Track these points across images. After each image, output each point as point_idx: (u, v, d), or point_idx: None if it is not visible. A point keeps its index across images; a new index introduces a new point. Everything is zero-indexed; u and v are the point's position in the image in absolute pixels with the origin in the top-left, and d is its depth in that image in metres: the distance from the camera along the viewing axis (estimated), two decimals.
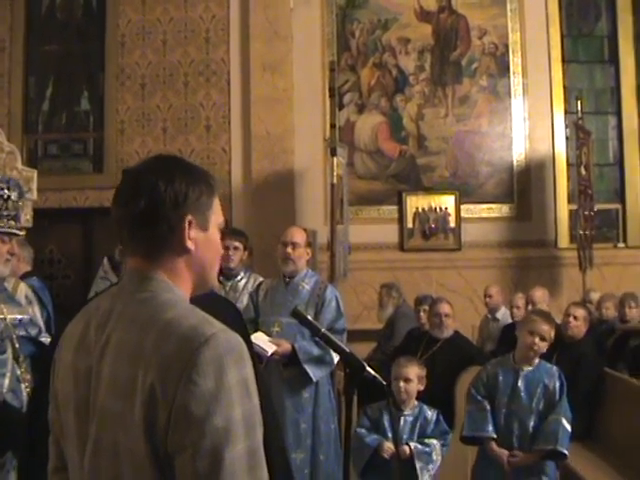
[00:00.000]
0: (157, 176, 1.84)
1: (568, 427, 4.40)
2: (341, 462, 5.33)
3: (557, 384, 4.49)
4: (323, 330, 2.93)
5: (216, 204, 1.93)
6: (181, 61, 10.60)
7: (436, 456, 4.56)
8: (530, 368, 4.53)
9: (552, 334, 4.59)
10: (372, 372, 2.89)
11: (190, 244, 1.84)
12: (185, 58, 10.60)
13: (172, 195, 1.82)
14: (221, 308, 2.48)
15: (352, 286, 9.71)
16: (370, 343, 8.47)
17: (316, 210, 10.23)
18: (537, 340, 4.47)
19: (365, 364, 2.82)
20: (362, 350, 6.95)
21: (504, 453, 4.40)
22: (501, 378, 4.53)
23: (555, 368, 4.59)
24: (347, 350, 2.81)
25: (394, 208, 10.70)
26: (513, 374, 4.51)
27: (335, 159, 8.01)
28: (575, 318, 6.62)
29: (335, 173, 7.99)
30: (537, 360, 4.58)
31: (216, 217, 1.92)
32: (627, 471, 5.22)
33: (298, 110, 10.45)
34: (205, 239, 1.88)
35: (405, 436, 4.67)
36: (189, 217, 1.83)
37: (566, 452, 4.40)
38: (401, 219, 10.66)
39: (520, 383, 4.48)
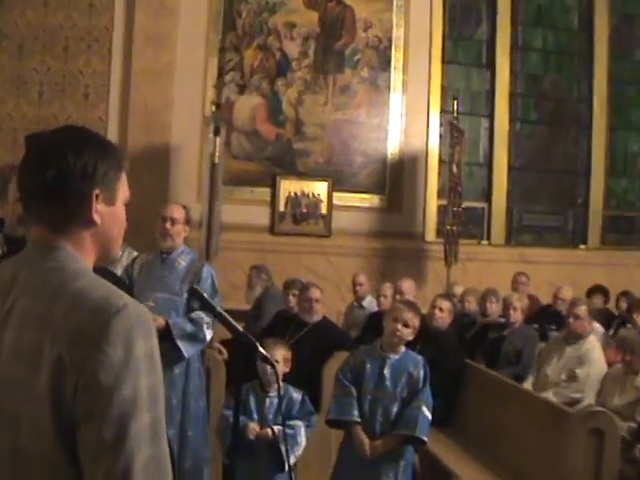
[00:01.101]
0: (66, 147, 1.82)
1: (428, 415, 4.54)
2: (208, 439, 5.40)
3: (421, 373, 4.60)
4: (219, 309, 2.97)
5: (123, 179, 1.92)
6: (63, 25, 10.29)
7: (301, 438, 4.64)
8: (396, 357, 4.61)
9: (416, 323, 4.67)
10: (264, 351, 2.97)
11: (96, 217, 1.83)
12: (67, 22, 10.29)
13: (81, 167, 1.80)
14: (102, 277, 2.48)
15: (221, 266, 9.69)
16: (239, 323, 8.48)
17: (190, 187, 10.13)
18: (400, 326, 4.54)
19: (257, 344, 2.90)
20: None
21: (365, 442, 4.48)
22: (368, 365, 4.59)
23: (420, 357, 4.71)
24: (241, 330, 2.87)
25: (267, 190, 10.71)
26: (380, 362, 4.58)
27: (218, 138, 8.00)
28: (440, 310, 6.86)
29: (217, 153, 7.98)
30: (403, 349, 4.67)
31: (123, 192, 1.92)
32: (482, 456, 5.48)
33: (178, 85, 10.31)
34: (111, 213, 1.88)
35: (271, 417, 4.71)
36: (97, 190, 1.82)
37: (425, 439, 4.53)
38: (273, 202, 10.69)
39: (386, 371, 4.55)
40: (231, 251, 9.84)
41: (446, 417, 6.17)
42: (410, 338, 4.66)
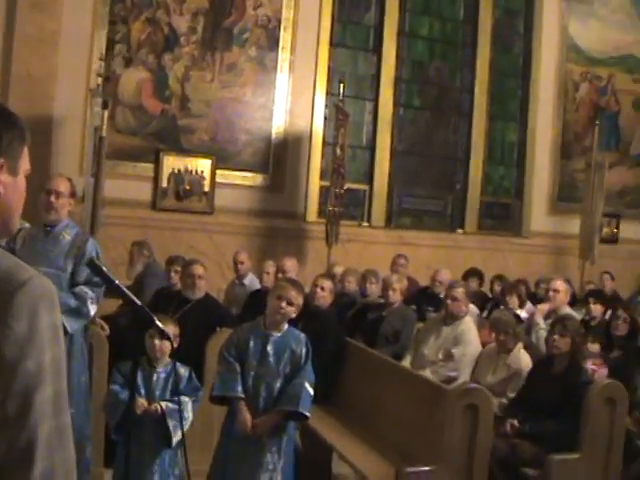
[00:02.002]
0: None
1: (310, 390, 4.62)
2: (91, 416, 5.35)
3: (304, 350, 4.67)
4: (117, 282, 2.96)
5: (26, 151, 1.92)
6: None
7: (188, 413, 4.66)
8: (279, 334, 4.66)
9: (300, 301, 4.73)
10: (161, 325, 2.98)
11: (0, 187, 1.83)
12: None
13: None
14: None
15: (102, 241, 9.49)
16: (118, 300, 8.40)
17: (72, 160, 9.92)
18: (284, 304, 4.60)
19: (154, 317, 2.91)
20: (111, 305, 6.88)
21: (248, 419, 4.52)
22: (252, 342, 4.62)
23: (303, 335, 4.77)
24: (139, 303, 2.88)
25: (150, 166, 10.59)
26: (263, 339, 4.62)
27: (106, 112, 7.87)
28: (322, 289, 6.97)
29: (104, 126, 7.85)
30: (286, 326, 4.74)
31: (24, 164, 1.91)
32: (362, 432, 5.60)
33: (63, 55, 10.03)
34: (14, 184, 1.87)
35: (158, 392, 4.73)
36: (1, 160, 1.82)
37: (307, 414, 4.61)
38: (156, 178, 10.58)
39: (269, 348, 4.60)
40: (112, 226, 9.64)
41: (327, 394, 6.26)
42: (293, 316, 4.73)
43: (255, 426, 4.51)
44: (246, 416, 4.52)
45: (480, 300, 9.14)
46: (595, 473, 5.03)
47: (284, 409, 4.56)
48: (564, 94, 13.20)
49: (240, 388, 4.55)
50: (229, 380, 4.58)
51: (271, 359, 4.59)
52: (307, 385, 4.59)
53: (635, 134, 13.94)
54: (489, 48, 12.56)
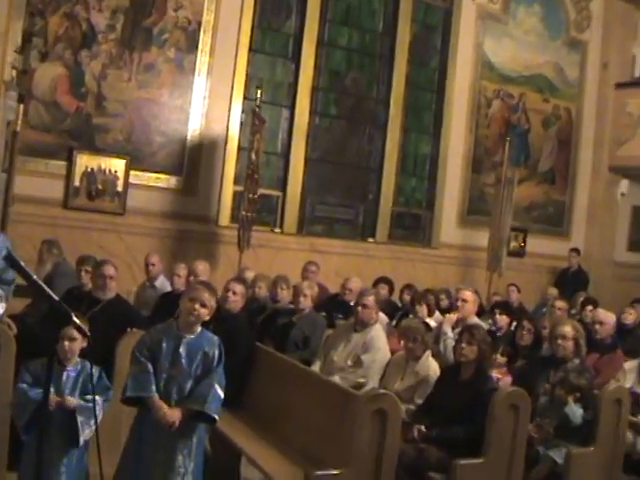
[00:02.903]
0: None
1: (220, 393, 4.60)
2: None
3: (216, 352, 4.65)
4: (34, 277, 2.92)
5: None
6: None
7: (98, 411, 4.61)
8: (192, 336, 4.64)
9: (213, 303, 4.72)
10: (78, 321, 2.95)
11: None
12: None
13: None
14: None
15: (11, 239, 9.30)
16: (25, 299, 8.23)
17: None
18: (197, 306, 4.58)
19: (72, 313, 2.88)
20: (18, 304, 6.77)
21: (165, 407, 4.47)
22: (164, 344, 4.57)
23: (216, 338, 4.75)
24: (57, 299, 2.85)
25: (63, 164, 10.43)
26: (176, 340, 4.59)
27: (21, 106, 7.73)
28: (234, 293, 6.94)
29: (19, 121, 7.71)
30: (199, 329, 4.72)
31: None
32: (271, 437, 5.61)
33: None
34: None
35: (67, 391, 4.68)
36: None
37: (215, 416, 4.60)
38: (69, 176, 10.41)
39: (182, 349, 4.57)
40: (22, 224, 9.46)
41: (236, 399, 6.26)
42: (207, 318, 4.71)
43: (170, 415, 4.47)
44: (163, 406, 4.48)
45: (390, 308, 9.25)
46: (498, 477, 5.15)
47: (191, 408, 4.54)
48: (477, 110, 13.51)
49: (154, 388, 4.51)
50: (142, 380, 4.53)
51: (183, 361, 4.57)
52: (217, 387, 4.58)
53: (543, 151, 14.34)
54: (406, 61, 12.77)
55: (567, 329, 6.49)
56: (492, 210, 12.77)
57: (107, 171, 10.55)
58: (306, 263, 10.05)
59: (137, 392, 4.54)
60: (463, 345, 5.74)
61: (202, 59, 10.97)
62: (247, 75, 11.44)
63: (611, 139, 14.91)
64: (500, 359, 6.92)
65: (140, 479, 4.52)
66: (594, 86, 15.02)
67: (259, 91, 10.68)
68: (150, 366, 4.54)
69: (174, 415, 4.46)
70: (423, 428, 5.47)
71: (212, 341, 4.70)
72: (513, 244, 13.64)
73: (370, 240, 12.58)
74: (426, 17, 13.10)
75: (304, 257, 10.63)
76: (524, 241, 14.09)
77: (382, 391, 5.02)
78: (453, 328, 7.54)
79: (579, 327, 6.69)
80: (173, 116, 10.90)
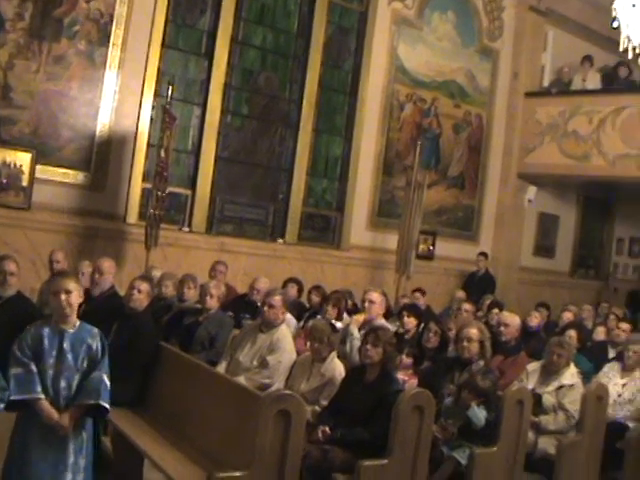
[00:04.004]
0: None
1: (108, 383, 4.52)
2: None
3: (99, 344, 4.55)
4: None
5: None
6: None
7: None
8: (73, 330, 4.53)
9: (76, 285, 4.54)
10: None
11: None
12: None
13: None
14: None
15: None
16: None
17: None
18: (64, 296, 4.38)
19: None
20: None
21: (54, 413, 4.38)
22: (46, 340, 4.46)
23: (96, 330, 4.61)
24: None
25: None
26: (58, 336, 4.48)
27: None
28: (139, 291, 6.81)
29: None
30: (78, 322, 4.58)
31: None
32: (174, 437, 5.51)
33: None
34: None
35: None
36: None
37: (108, 406, 4.51)
38: None
39: (65, 344, 4.46)
40: None
41: (139, 398, 6.18)
42: (79, 301, 4.55)
43: (59, 423, 4.36)
44: (51, 411, 4.37)
45: (298, 309, 9.24)
46: (402, 477, 5.16)
47: (85, 403, 4.44)
48: (389, 113, 13.62)
49: (39, 388, 4.38)
50: (26, 382, 4.38)
51: (69, 356, 4.46)
52: (105, 378, 4.51)
53: (454, 156, 14.54)
54: (320, 63, 12.78)
55: (473, 331, 6.59)
56: (402, 213, 12.87)
57: (12, 165, 10.24)
58: (214, 262, 9.98)
59: (22, 394, 4.38)
60: (368, 347, 5.76)
61: (113, 53, 10.74)
62: (159, 71, 11.23)
63: (520, 146, 15.23)
64: (406, 360, 6.96)
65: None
66: (504, 94, 15.32)
67: (170, 87, 10.50)
68: (33, 365, 4.41)
69: (65, 420, 4.36)
70: (328, 429, 5.46)
71: (93, 333, 4.60)
72: (422, 247, 13.79)
73: (280, 241, 12.54)
74: (341, 20, 13.12)
75: (213, 257, 10.56)
76: (433, 244, 14.25)
77: (286, 392, 4.97)
78: (360, 329, 7.57)
79: (484, 329, 6.81)
80: (82, 110, 10.65)
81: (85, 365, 4.50)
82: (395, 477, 5.12)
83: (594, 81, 15.07)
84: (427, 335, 7.50)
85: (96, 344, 4.55)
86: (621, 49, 7.56)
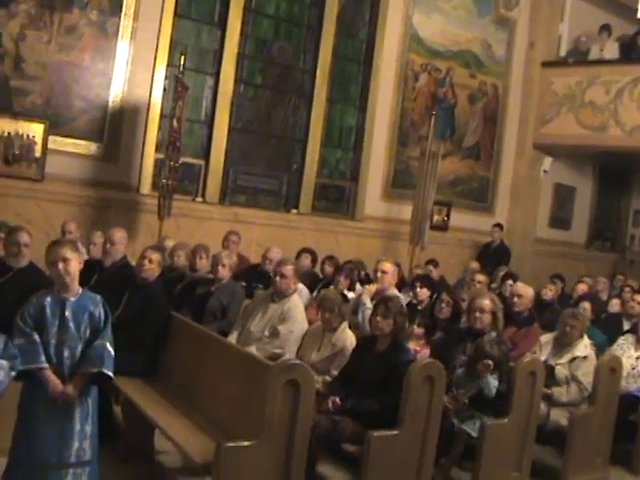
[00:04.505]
0: None
1: (112, 351, 4.49)
2: None
3: (102, 311, 4.49)
4: None
5: None
6: None
7: (3, 377, 4.45)
8: (74, 298, 4.48)
9: (74, 252, 4.44)
10: None
11: None
12: None
13: None
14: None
15: None
16: None
17: None
18: (61, 265, 4.31)
19: None
20: None
21: (58, 384, 4.37)
22: (48, 310, 4.43)
23: (99, 297, 4.56)
24: None
25: None
26: (60, 305, 4.45)
27: None
28: (150, 261, 6.79)
29: None
30: (80, 289, 4.54)
31: None
32: (185, 407, 5.50)
33: None
34: None
35: None
36: None
37: (111, 374, 4.49)
38: None
39: (67, 313, 4.42)
40: None
41: (151, 368, 6.17)
42: (79, 268, 4.48)
43: (64, 394, 4.35)
44: (56, 382, 4.35)
45: (311, 280, 9.21)
46: (413, 448, 5.15)
47: (89, 371, 4.42)
48: (404, 83, 13.52)
49: (43, 358, 4.36)
50: (30, 352, 4.36)
51: (71, 324, 4.41)
52: (109, 346, 4.48)
53: (469, 127, 14.43)
54: (334, 32, 12.66)
55: (485, 302, 6.57)
56: (416, 183, 12.81)
57: (25, 136, 10.23)
58: (227, 233, 9.94)
59: (27, 364, 4.36)
60: (378, 319, 5.72)
61: (125, 23, 10.68)
62: (171, 41, 11.16)
63: (536, 117, 15.10)
64: (417, 330, 6.93)
65: (38, 453, 4.38)
66: (521, 64, 15.18)
67: (183, 57, 10.41)
68: (36, 335, 4.39)
69: (70, 389, 4.35)
70: (338, 400, 5.44)
71: (95, 300, 4.55)
72: (436, 218, 13.73)
73: (293, 211, 12.51)
74: None
75: (226, 227, 10.52)
76: (447, 215, 14.19)
77: (294, 361, 4.94)
78: (372, 299, 7.53)
79: (497, 300, 6.77)
80: (95, 81, 10.62)
81: (88, 333, 4.46)
82: (405, 448, 5.11)
83: (612, 51, 14.89)
84: (439, 305, 7.48)
85: (98, 311, 4.51)
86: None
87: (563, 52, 15.54)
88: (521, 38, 15.13)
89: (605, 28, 15.01)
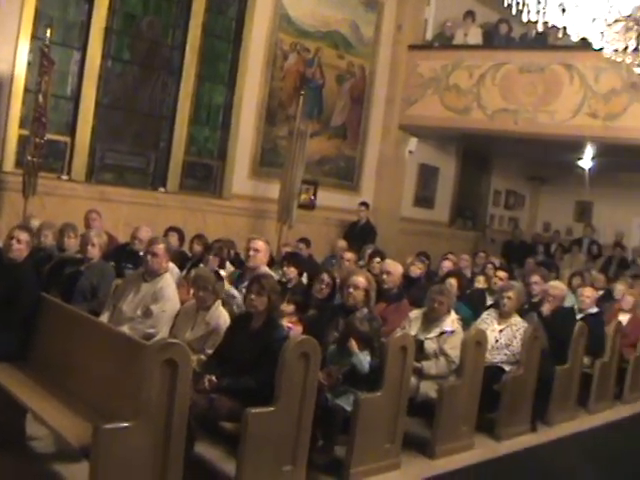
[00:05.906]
0: None
1: None
2: None
3: None
4: None
5: None
6: None
7: None
8: None
9: None
10: None
11: None
12: None
13: None
14: None
15: None
16: None
17: None
18: None
19: None
20: None
21: None
22: None
23: None
24: None
25: None
26: None
27: None
28: (18, 241, 6.59)
29: None
30: None
31: None
32: (58, 390, 5.39)
33: None
34: None
35: None
36: None
37: None
38: None
39: None
40: None
41: (21, 351, 6.02)
42: None
43: None
44: None
45: (180, 259, 9.15)
46: (289, 424, 5.23)
47: None
48: (273, 62, 13.55)
49: None
50: None
51: None
52: None
53: (336, 107, 14.59)
54: (203, 8, 12.53)
55: (360, 279, 6.72)
56: (284, 162, 12.88)
57: None
58: (87, 211, 9.77)
59: None
60: (253, 297, 5.76)
61: None
62: (36, 12, 10.72)
63: (402, 99, 15.42)
64: (287, 307, 7.00)
65: None
66: (388, 46, 15.45)
67: (49, 30, 10.09)
68: None
69: None
70: (214, 378, 5.45)
71: None
72: (304, 197, 13.84)
73: (161, 190, 12.37)
74: None
75: (92, 206, 10.31)
76: (315, 194, 14.34)
77: (172, 340, 4.93)
78: (243, 277, 7.58)
79: (371, 279, 6.94)
80: None
81: None
82: (282, 424, 5.18)
83: (476, 36, 15.37)
84: (319, 286, 7.52)
85: None
86: (505, 4, 7.63)
87: (429, 36, 15.90)
88: (389, 21, 15.39)
89: (469, 14, 15.49)
